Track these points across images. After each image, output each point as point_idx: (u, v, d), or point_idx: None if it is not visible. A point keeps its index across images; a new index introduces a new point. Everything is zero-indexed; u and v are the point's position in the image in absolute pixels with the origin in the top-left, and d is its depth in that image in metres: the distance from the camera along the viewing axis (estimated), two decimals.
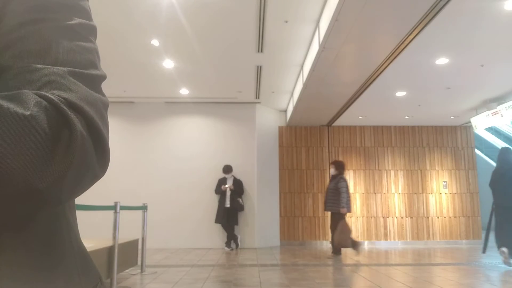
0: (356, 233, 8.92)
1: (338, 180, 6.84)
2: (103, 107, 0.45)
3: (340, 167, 7.03)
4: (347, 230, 6.61)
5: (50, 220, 0.46)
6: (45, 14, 0.45)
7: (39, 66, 0.42)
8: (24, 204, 0.37)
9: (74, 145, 0.38)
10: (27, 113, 0.35)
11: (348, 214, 8.93)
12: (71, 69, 0.43)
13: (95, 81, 0.46)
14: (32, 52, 0.42)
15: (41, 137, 0.35)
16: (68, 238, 0.49)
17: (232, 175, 8.13)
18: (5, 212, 0.37)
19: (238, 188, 8.03)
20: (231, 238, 7.89)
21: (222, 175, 8.13)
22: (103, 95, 0.47)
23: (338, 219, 6.68)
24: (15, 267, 0.41)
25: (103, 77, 0.48)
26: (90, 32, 0.50)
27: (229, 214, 7.82)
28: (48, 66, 0.42)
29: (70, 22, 0.47)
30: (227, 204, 7.84)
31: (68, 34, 0.46)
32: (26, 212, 0.40)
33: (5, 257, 0.40)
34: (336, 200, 6.71)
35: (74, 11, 0.48)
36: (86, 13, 0.50)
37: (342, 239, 6.56)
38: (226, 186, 7.93)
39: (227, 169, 8.07)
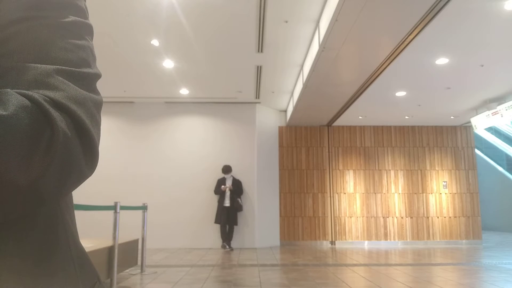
0: (356, 233, 8.92)
1: None
2: (94, 106, 0.44)
3: None
4: None
5: (46, 221, 0.45)
6: (37, 12, 0.44)
7: (27, 64, 0.40)
8: (7, 204, 0.36)
9: (55, 144, 0.37)
10: (4, 113, 0.34)
11: (348, 214, 9.01)
12: (60, 67, 0.42)
13: (87, 80, 0.45)
14: (22, 50, 0.41)
15: (20, 136, 0.34)
16: (65, 239, 0.48)
17: (232, 175, 8.13)
18: None
19: (237, 188, 8.03)
20: (230, 238, 7.89)
21: (221, 175, 8.14)
22: (97, 93, 0.46)
23: None
24: (12, 270, 0.40)
25: (97, 76, 0.47)
26: (85, 30, 0.48)
27: (229, 214, 7.82)
28: (36, 65, 0.41)
29: (63, 20, 0.45)
30: (227, 204, 7.85)
31: (60, 31, 0.44)
32: (14, 214, 0.38)
33: (1, 261, 0.40)
34: None
35: (68, 9, 0.47)
36: (81, 11, 0.49)
37: None
38: (226, 186, 7.93)
39: (227, 169, 8.07)
